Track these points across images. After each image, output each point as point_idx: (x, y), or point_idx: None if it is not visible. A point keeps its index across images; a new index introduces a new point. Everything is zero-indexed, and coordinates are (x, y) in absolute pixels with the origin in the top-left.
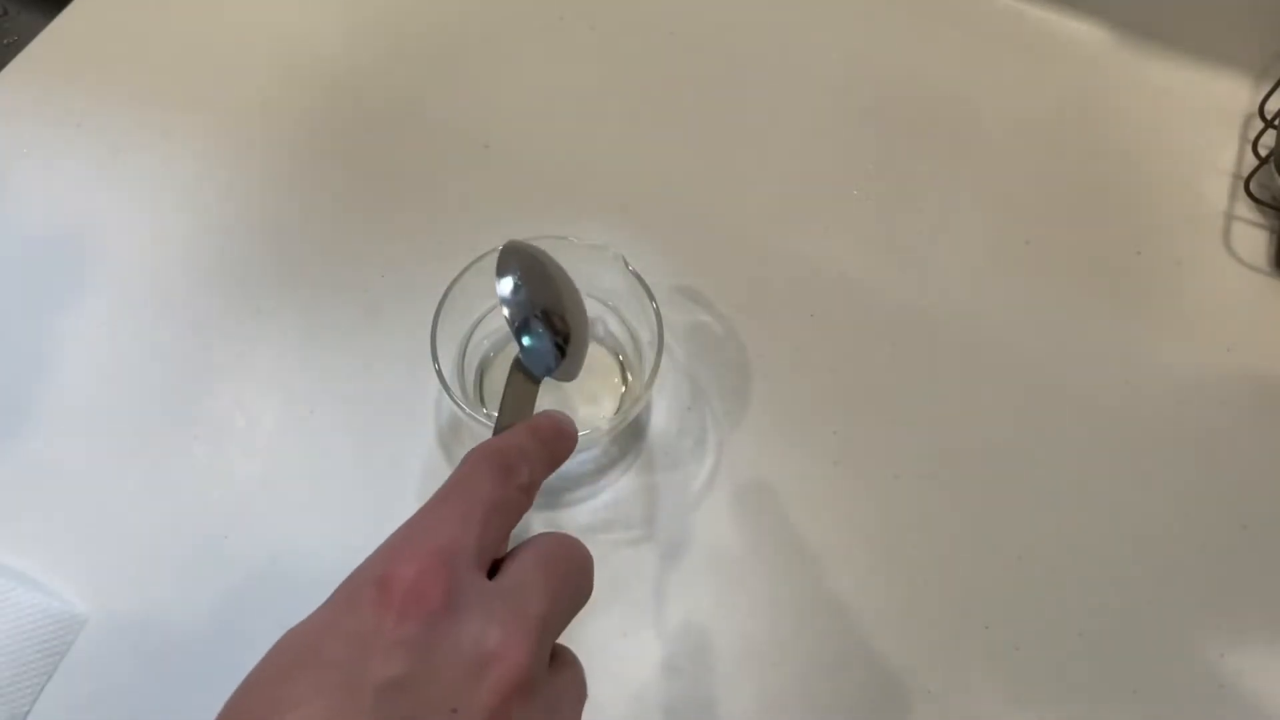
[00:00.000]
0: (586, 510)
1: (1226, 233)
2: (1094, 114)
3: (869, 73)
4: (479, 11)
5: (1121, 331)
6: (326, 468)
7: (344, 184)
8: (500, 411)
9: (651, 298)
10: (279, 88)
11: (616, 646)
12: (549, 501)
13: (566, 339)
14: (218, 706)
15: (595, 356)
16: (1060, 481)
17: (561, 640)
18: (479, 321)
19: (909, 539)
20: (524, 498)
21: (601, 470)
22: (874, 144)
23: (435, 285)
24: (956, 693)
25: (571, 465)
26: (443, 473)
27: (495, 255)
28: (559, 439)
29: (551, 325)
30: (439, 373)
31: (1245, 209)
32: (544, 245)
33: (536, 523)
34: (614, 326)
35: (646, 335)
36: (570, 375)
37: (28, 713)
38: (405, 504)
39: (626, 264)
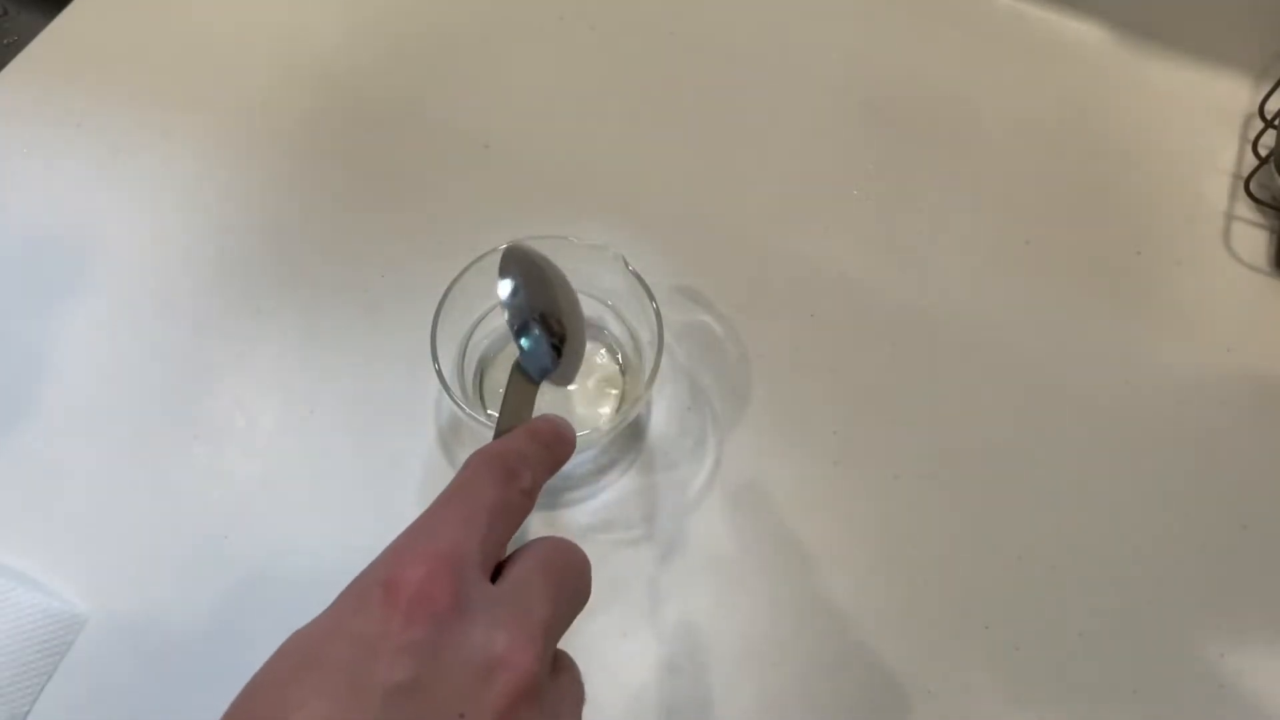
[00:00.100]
0: (586, 510)
1: (1226, 233)
2: (1094, 114)
3: (869, 73)
4: (479, 11)
5: (1121, 331)
6: (326, 468)
7: (344, 184)
8: (500, 414)
9: (651, 298)
10: (279, 88)
11: (616, 646)
12: (549, 502)
13: (563, 342)
14: (218, 706)
15: (595, 356)
16: (1060, 481)
17: (563, 640)
18: (479, 321)
19: (909, 539)
20: (526, 501)
21: (601, 470)
22: (874, 144)
23: (435, 285)
24: (956, 693)
25: (571, 465)
26: (443, 472)
27: (495, 255)
28: (559, 443)
29: (549, 329)
30: (439, 373)
31: (1245, 209)
32: (544, 245)
33: (537, 523)
34: (614, 326)
35: (646, 335)
36: (566, 379)
37: (28, 713)
38: (405, 504)
39: (626, 264)
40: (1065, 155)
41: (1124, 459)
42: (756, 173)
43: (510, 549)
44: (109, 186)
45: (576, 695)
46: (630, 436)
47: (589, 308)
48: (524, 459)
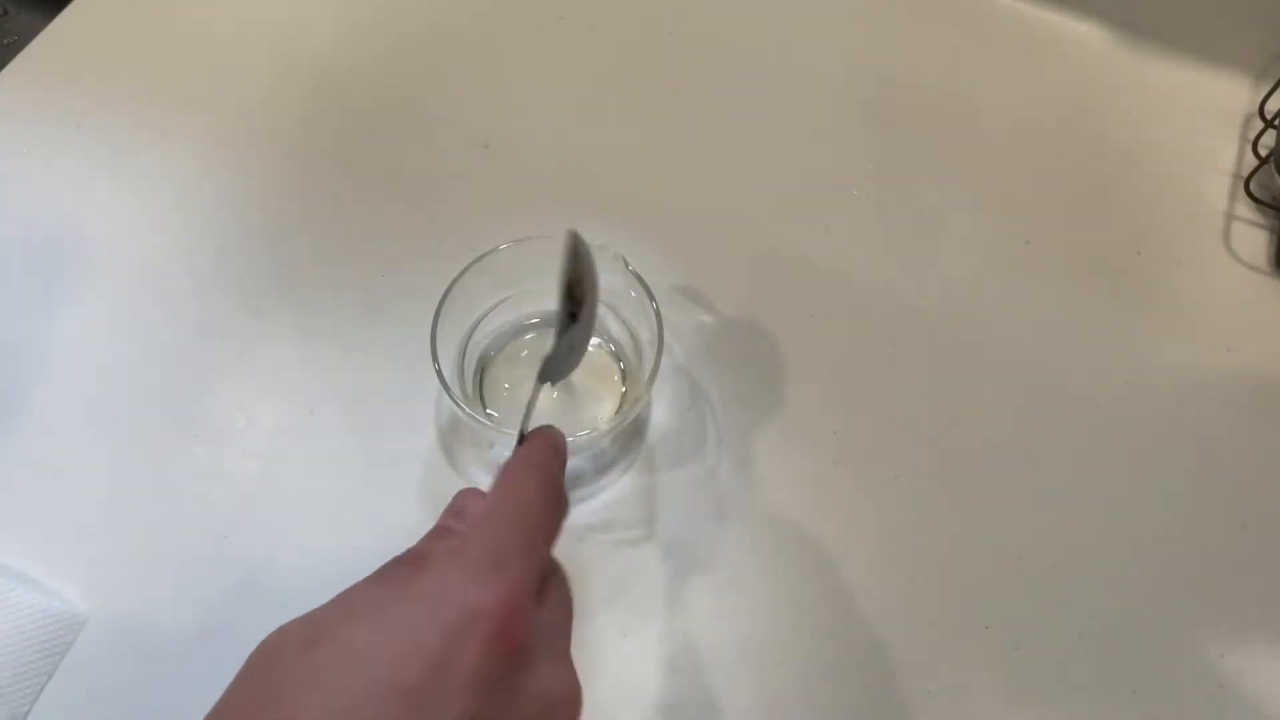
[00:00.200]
0: (586, 510)
1: (1226, 233)
2: (1094, 114)
3: (869, 73)
4: (479, 11)
5: (1121, 331)
6: (326, 467)
7: (344, 184)
8: (526, 418)
9: (651, 298)
10: (279, 88)
11: (616, 646)
12: None
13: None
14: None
15: (595, 356)
16: (1060, 481)
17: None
18: (479, 321)
19: (909, 539)
20: (559, 529)
21: (601, 470)
22: (874, 144)
23: (435, 285)
24: (956, 693)
25: (572, 465)
26: (443, 472)
27: (495, 255)
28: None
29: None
30: (439, 373)
31: (1245, 209)
32: (544, 245)
33: None
34: (614, 327)
35: (646, 335)
36: (560, 379)
37: (28, 713)
38: (405, 504)
39: (626, 264)
40: (1065, 155)
41: (1124, 459)
42: (756, 173)
43: None
44: (109, 186)
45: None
46: (630, 436)
47: None
48: (562, 481)
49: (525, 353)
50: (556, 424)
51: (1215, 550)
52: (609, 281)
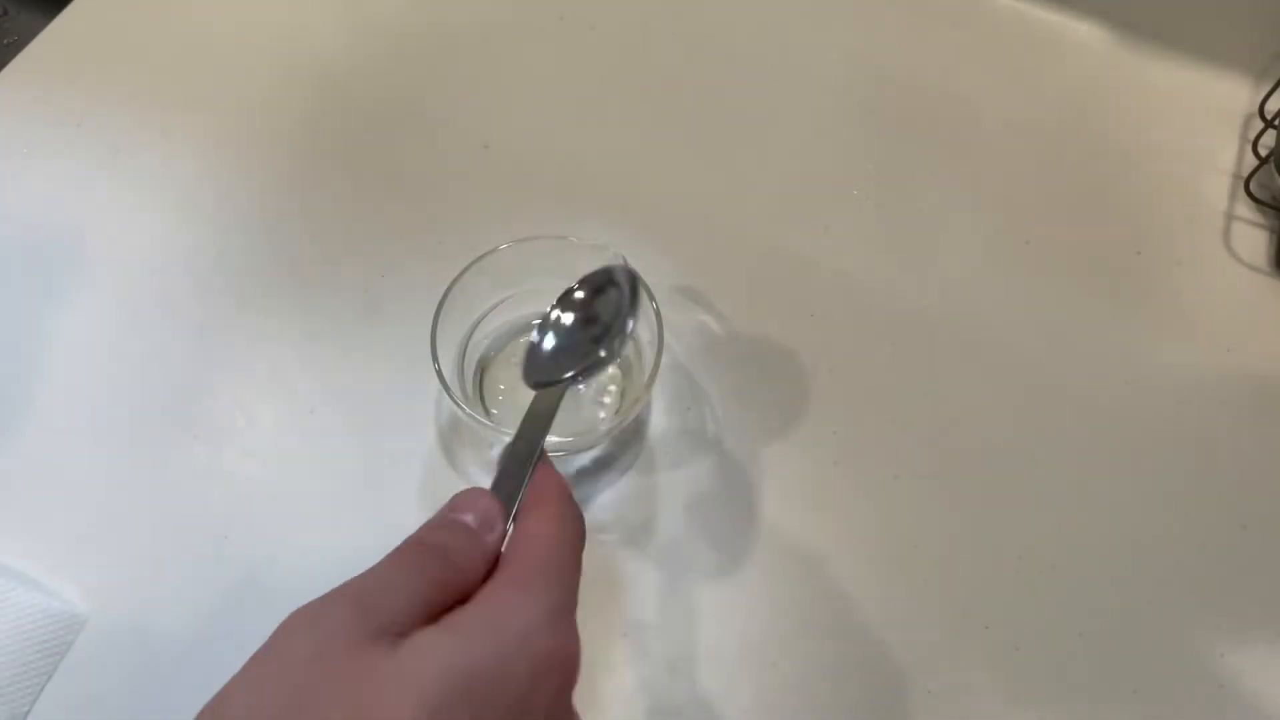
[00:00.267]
0: (586, 510)
1: (1226, 233)
2: (1094, 114)
3: (869, 72)
4: (479, 11)
5: (1121, 331)
6: (326, 467)
7: (344, 184)
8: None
9: (651, 298)
10: (279, 88)
11: (616, 646)
12: None
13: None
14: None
15: None
16: (1060, 481)
17: None
18: (479, 321)
19: (909, 539)
20: None
21: (601, 470)
22: (874, 144)
23: (435, 285)
24: (956, 693)
25: (572, 465)
26: (443, 472)
27: (495, 255)
28: None
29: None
30: (439, 373)
31: (1245, 209)
32: (544, 245)
33: None
34: None
35: (646, 335)
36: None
37: (28, 713)
38: (405, 504)
39: (626, 264)
40: (1065, 155)
41: (1124, 459)
42: (756, 173)
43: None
44: (109, 186)
45: None
46: (630, 436)
47: None
48: None
49: None
50: (557, 424)
51: (1215, 550)
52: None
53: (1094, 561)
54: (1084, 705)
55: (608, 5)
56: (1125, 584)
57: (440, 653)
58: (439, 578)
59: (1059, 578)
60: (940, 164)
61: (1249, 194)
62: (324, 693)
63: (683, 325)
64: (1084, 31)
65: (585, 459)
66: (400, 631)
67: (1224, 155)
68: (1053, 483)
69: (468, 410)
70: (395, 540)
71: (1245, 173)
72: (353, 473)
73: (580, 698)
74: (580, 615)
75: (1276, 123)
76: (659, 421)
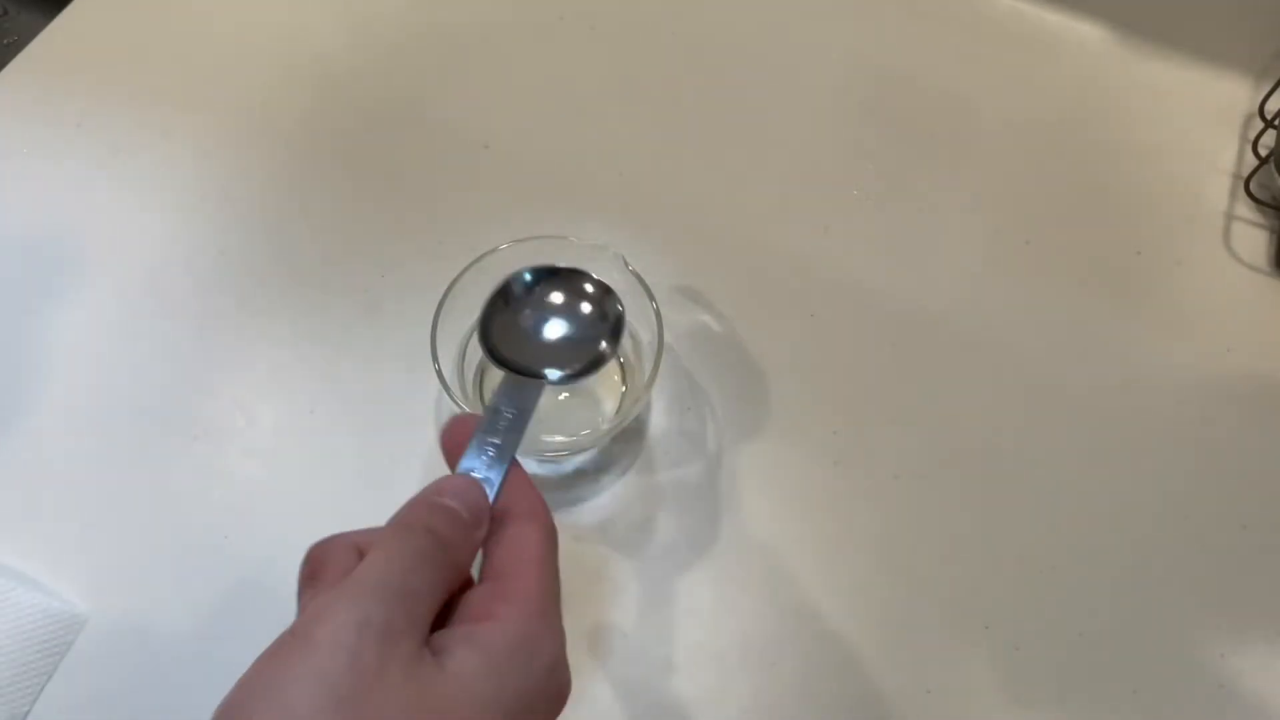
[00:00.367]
0: (586, 510)
1: (1226, 233)
2: (1094, 114)
3: (869, 72)
4: (479, 11)
5: (1121, 331)
6: (327, 467)
7: (344, 184)
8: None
9: (651, 298)
10: (279, 88)
11: (616, 646)
12: (549, 502)
13: None
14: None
15: None
16: (1060, 481)
17: (568, 640)
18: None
19: (909, 539)
20: None
21: (601, 470)
22: (874, 144)
23: (435, 285)
24: (956, 693)
25: (572, 465)
26: (443, 472)
27: (495, 255)
28: None
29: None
30: (439, 373)
31: (1245, 209)
32: (544, 245)
33: None
34: None
35: (646, 335)
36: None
37: (28, 713)
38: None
39: (626, 264)
40: (1065, 155)
41: (1124, 459)
42: (757, 173)
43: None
44: (109, 186)
45: None
46: (630, 436)
47: None
48: None
49: None
50: (557, 424)
51: (1215, 550)
52: (609, 282)
53: (1094, 561)
54: (1084, 705)
55: (608, 5)
56: (1125, 584)
57: (486, 686)
58: (449, 576)
59: (1059, 578)
60: (940, 164)
61: (1249, 194)
62: (390, 707)
63: (683, 325)
64: (1084, 31)
65: (585, 459)
66: (426, 639)
67: (1224, 155)
68: (1053, 483)
69: (468, 410)
70: None
71: (1245, 173)
72: (353, 472)
73: (581, 698)
74: (581, 615)
75: (1276, 123)
76: (659, 422)
